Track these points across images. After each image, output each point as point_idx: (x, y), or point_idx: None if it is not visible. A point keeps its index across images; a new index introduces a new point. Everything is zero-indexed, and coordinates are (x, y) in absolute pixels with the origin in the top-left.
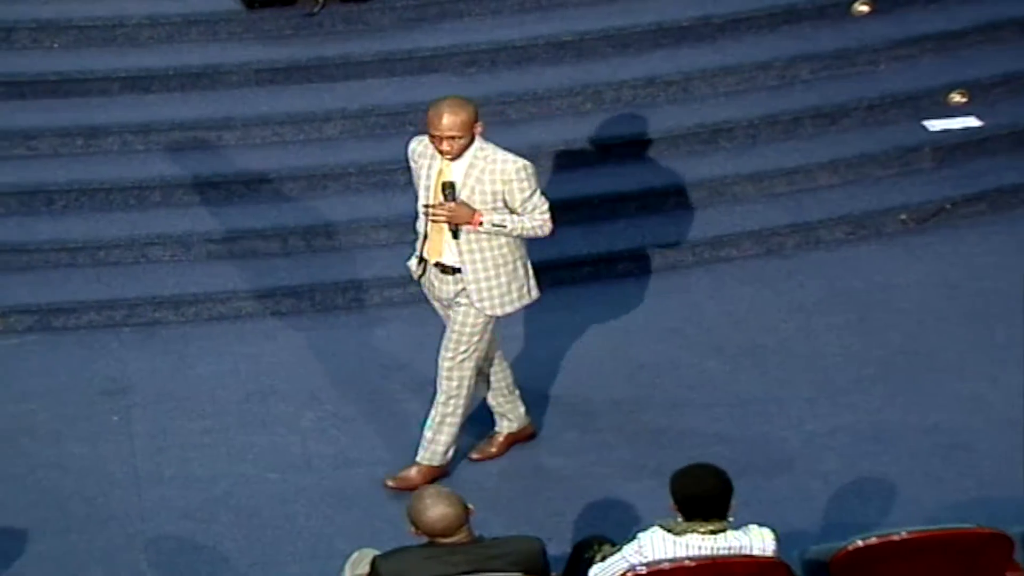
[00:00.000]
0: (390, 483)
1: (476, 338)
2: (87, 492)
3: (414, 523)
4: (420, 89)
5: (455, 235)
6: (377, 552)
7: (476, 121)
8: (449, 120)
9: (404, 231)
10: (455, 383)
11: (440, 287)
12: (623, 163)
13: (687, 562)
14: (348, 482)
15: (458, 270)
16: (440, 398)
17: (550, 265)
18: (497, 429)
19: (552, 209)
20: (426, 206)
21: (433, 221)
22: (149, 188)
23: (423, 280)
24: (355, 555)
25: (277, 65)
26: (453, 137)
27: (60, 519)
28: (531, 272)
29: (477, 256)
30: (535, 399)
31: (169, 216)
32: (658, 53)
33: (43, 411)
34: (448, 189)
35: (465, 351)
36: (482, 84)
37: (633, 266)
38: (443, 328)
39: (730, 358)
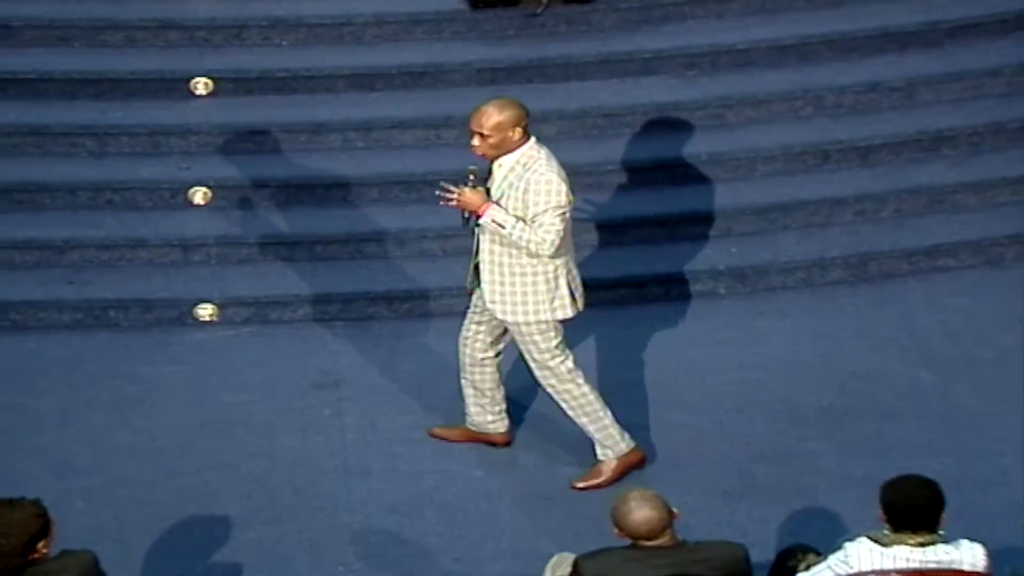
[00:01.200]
0: (579, 484)
1: (541, 344)
2: (297, 483)
3: (618, 525)
4: (639, 91)
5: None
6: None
7: (515, 127)
8: (480, 117)
9: (615, 231)
10: (558, 385)
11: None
12: (842, 168)
13: (894, 574)
14: (552, 482)
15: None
16: (563, 406)
17: (762, 270)
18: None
19: (559, 238)
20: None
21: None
22: (367, 184)
23: None
24: (555, 558)
25: (498, 65)
26: (482, 135)
27: (270, 508)
28: (561, 291)
29: (495, 259)
30: (742, 404)
31: (386, 212)
32: (882, 58)
33: (257, 402)
34: (471, 175)
35: (541, 361)
36: (701, 87)
37: (847, 273)
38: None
39: (944, 369)
